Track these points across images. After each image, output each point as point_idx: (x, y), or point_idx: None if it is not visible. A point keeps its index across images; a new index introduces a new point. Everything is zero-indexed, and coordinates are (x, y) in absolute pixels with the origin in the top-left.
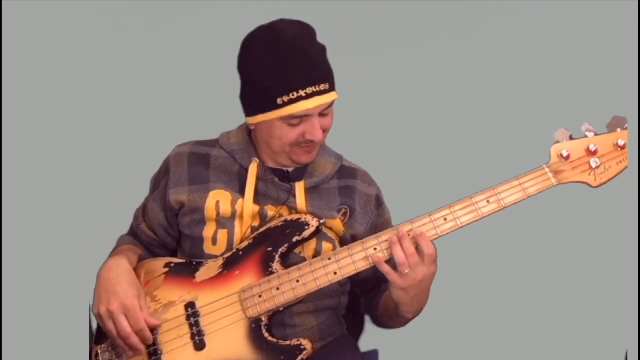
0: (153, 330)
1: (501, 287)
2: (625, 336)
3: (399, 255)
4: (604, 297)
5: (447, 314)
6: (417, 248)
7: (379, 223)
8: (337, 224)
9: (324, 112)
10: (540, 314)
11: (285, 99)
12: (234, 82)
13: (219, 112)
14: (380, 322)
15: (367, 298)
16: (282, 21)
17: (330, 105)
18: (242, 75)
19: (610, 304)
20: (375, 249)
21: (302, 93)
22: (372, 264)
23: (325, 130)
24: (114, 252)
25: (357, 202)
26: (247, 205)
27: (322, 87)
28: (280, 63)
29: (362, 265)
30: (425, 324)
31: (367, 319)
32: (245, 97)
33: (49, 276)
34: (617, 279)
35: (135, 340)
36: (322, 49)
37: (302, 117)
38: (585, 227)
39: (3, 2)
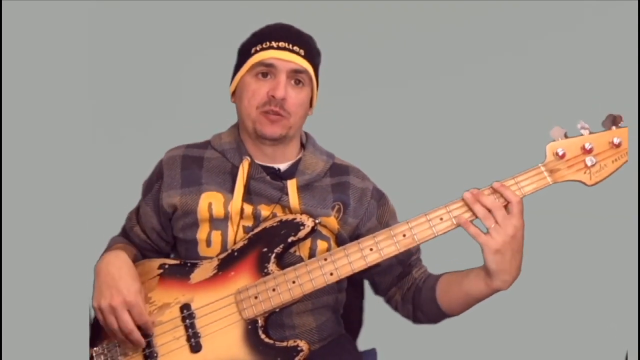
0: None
1: None
2: (625, 336)
3: (480, 211)
4: (604, 297)
5: None
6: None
7: (384, 214)
8: (332, 221)
9: (295, 79)
10: (540, 313)
11: (258, 47)
12: (224, 86)
13: (210, 115)
14: (440, 313)
15: (402, 292)
16: None
17: (302, 72)
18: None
19: (610, 304)
20: (371, 249)
21: (273, 44)
22: (367, 265)
23: (296, 106)
24: (109, 249)
25: (351, 197)
26: (236, 203)
27: (296, 48)
28: (268, 26)
29: (358, 266)
30: None
31: (366, 319)
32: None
33: (44, 277)
34: (617, 279)
35: (137, 335)
36: (311, 37)
37: (270, 69)
38: (585, 225)
39: (3, 2)
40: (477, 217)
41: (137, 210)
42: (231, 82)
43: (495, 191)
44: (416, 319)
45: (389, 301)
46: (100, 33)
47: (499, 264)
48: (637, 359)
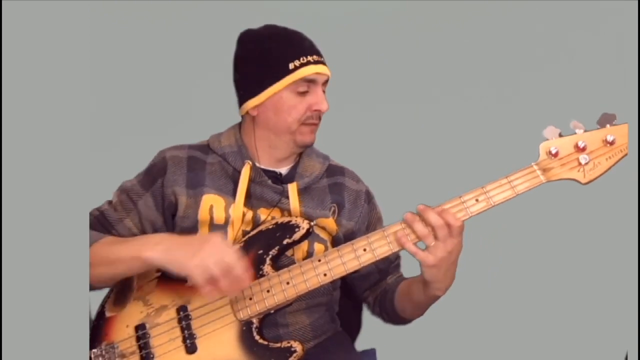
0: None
1: (499, 287)
2: (625, 336)
3: (420, 230)
4: (604, 297)
5: (444, 312)
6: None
7: (372, 219)
8: (331, 222)
9: (323, 87)
10: (539, 313)
11: (297, 63)
12: (221, 88)
13: (205, 114)
14: (398, 316)
15: (374, 296)
16: None
17: (327, 81)
18: (243, 60)
19: (610, 304)
20: (364, 249)
21: (310, 59)
22: (361, 265)
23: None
24: (100, 240)
25: (347, 199)
26: (237, 208)
27: (323, 59)
28: (286, 35)
29: (351, 266)
30: (422, 323)
31: (365, 319)
32: (248, 78)
33: (44, 278)
34: (617, 279)
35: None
36: None
37: (310, 84)
38: (586, 225)
39: (3, 2)
40: (416, 235)
41: (121, 203)
42: (251, 92)
43: (441, 213)
44: (383, 320)
45: (363, 301)
46: (99, 35)
47: (435, 276)
48: (637, 359)
